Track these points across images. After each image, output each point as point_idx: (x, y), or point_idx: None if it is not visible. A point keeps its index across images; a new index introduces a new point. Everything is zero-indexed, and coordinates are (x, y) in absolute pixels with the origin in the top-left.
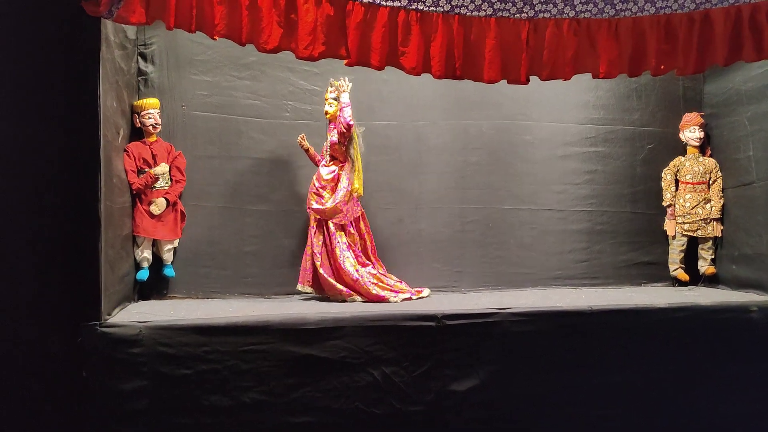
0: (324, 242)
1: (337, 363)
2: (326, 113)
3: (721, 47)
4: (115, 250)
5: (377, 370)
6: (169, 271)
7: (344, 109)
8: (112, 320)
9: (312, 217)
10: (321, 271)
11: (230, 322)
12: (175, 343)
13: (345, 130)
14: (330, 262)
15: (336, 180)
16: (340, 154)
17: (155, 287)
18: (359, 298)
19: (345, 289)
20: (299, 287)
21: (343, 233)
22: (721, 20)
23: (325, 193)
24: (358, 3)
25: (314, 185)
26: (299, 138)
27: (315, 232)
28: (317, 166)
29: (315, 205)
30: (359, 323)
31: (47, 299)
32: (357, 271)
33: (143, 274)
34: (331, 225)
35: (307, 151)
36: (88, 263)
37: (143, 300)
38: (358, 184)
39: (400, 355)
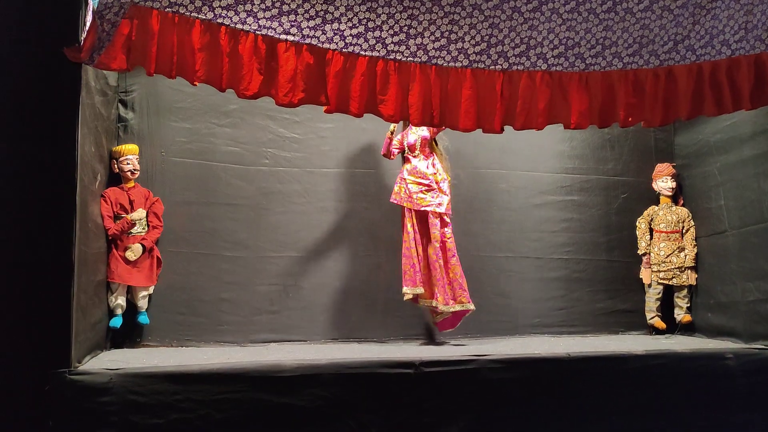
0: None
1: (313, 412)
2: None
3: (684, 102)
4: (87, 296)
5: (354, 420)
6: (143, 319)
7: None
8: (82, 368)
9: (410, 217)
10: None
11: (203, 369)
12: (147, 392)
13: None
14: (444, 259)
15: (435, 174)
16: (428, 148)
17: (128, 335)
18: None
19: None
20: (410, 290)
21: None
22: (683, 76)
23: (436, 187)
24: (338, 52)
25: (419, 183)
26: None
27: (416, 231)
28: (388, 157)
29: (436, 200)
30: (336, 371)
31: (14, 344)
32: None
33: (116, 322)
34: (440, 219)
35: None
36: (59, 309)
37: (116, 348)
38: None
39: (378, 403)
